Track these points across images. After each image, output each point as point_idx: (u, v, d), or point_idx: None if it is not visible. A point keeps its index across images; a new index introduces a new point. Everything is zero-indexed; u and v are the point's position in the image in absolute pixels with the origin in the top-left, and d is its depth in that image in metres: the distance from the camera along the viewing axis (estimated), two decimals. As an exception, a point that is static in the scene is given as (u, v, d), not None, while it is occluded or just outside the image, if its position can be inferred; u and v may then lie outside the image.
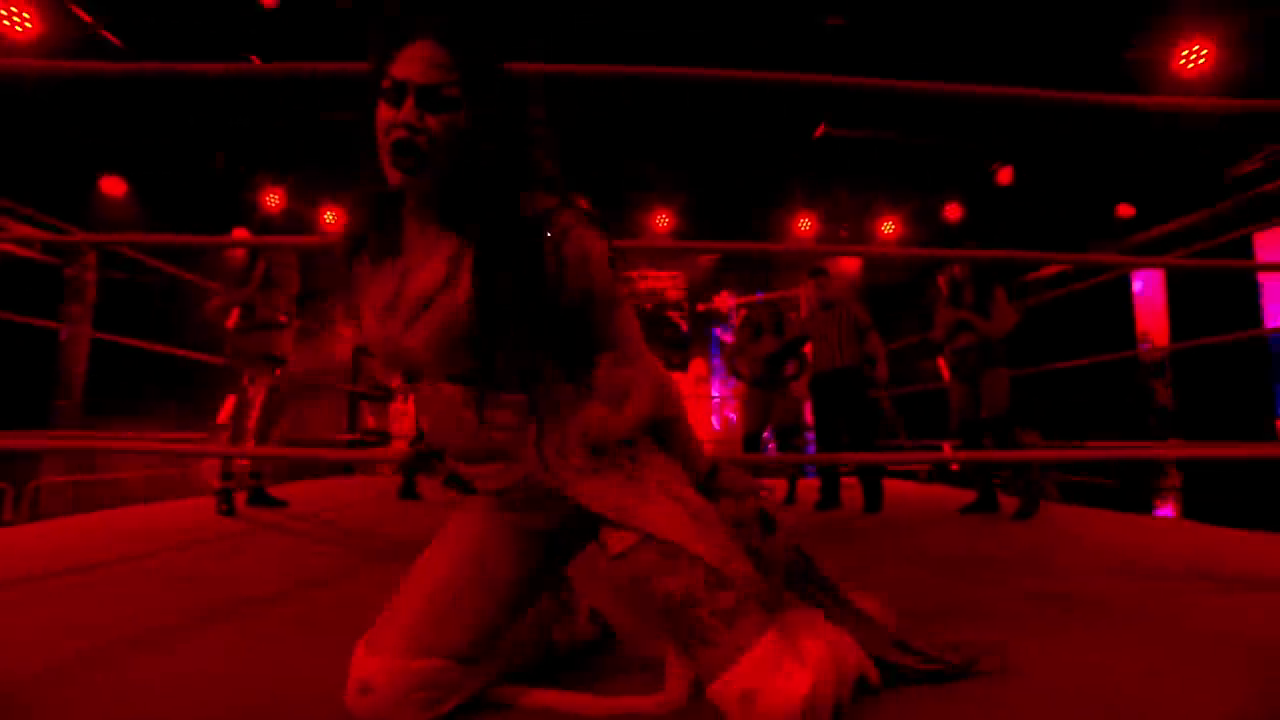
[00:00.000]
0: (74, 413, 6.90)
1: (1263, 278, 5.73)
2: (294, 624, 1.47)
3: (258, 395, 3.48)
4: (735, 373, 4.64)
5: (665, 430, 1.04)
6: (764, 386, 4.47)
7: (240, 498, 3.52)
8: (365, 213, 1.01)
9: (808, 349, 4.36)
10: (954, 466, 6.43)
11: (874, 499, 3.72)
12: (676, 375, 10.44)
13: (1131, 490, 5.76)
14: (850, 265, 9.10)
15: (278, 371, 3.57)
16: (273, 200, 7.91)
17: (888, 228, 8.40)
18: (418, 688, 0.92)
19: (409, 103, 0.89)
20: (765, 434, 4.63)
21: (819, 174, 7.81)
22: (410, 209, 0.99)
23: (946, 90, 1.94)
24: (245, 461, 3.53)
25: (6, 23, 4.47)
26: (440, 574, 1.01)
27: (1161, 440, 6.27)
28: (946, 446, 5.74)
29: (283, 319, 3.60)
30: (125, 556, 2.21)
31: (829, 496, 3.98)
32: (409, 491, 4.17)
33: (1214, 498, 5.56)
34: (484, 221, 0.93)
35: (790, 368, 4.50)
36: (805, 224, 8.37)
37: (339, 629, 1.21)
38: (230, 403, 3.77)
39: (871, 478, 3.78)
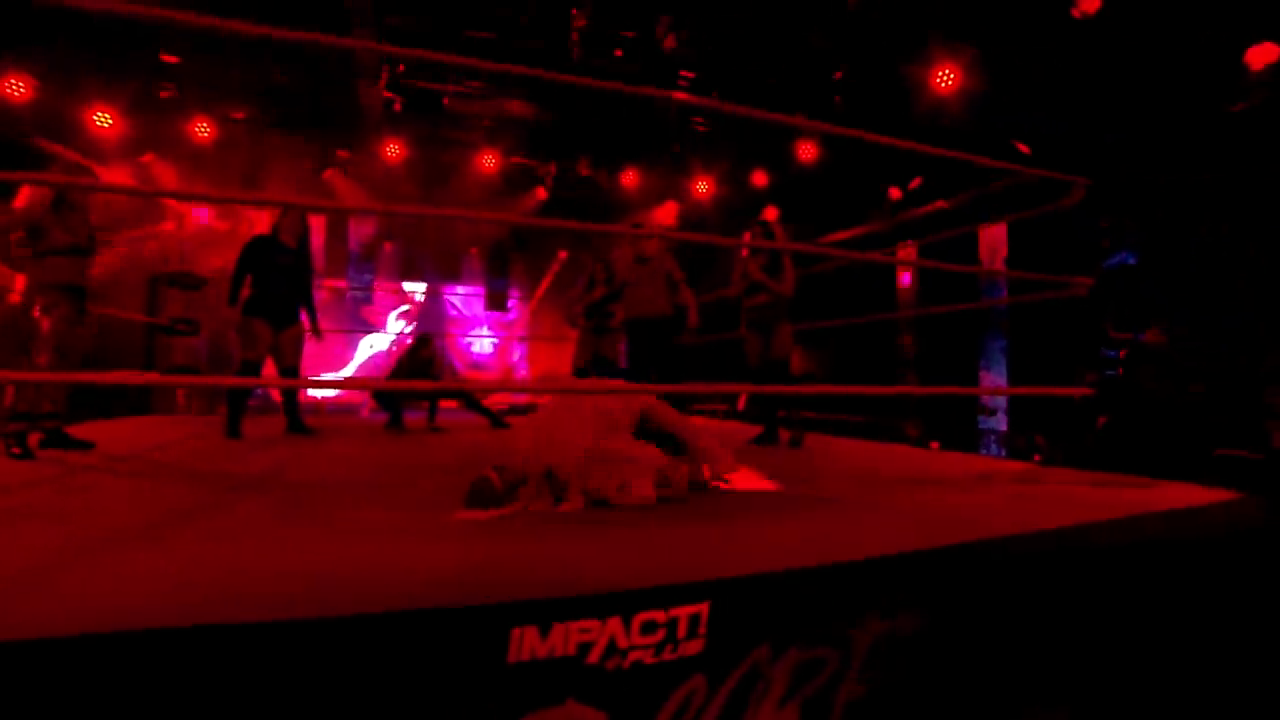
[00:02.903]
0: None
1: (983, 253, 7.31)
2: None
3: (53, 330, 3.17)
4: (571, 319, 5.08)
5: None
6: (594, 332, 4.95)
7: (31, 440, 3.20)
8: None
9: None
10: (740, 406, 7.46)
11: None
12: (496, 313, 10.64)
13: (886, 423, 7.14)
14: (667, 217, 9.83)
15: (76, 304, 3.26)
16: (18, 89, 6.58)
17: (701, 187, 9.20)
18: None
19: None
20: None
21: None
22: None
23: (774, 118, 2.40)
24: (48, 405, 3.21)
25: None
26: None
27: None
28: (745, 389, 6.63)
29: (83, 244, 3.29)
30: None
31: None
32: (235, 430, 4.04)
33: (944, 427, 7.22)
34: None
35: (618, 315, 4.99)
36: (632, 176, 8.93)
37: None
38: None
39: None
